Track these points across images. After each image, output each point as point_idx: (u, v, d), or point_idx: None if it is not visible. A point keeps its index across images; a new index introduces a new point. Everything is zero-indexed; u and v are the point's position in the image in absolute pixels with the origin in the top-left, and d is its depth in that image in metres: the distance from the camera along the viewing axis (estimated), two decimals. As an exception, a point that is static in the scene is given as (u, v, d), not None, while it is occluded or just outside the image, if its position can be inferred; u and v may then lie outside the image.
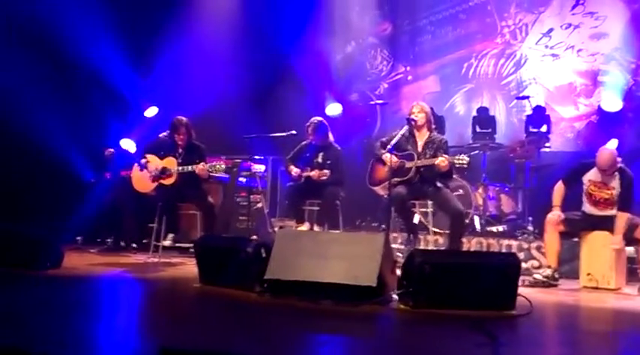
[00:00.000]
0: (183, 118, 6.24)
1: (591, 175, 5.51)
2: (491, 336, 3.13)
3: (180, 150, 6.19)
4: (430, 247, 6.15)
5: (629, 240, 5.35)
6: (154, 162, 6.15)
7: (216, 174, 6.37)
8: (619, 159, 5.53)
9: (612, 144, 6.91)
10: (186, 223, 6.50)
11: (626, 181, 5.36)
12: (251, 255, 4.38)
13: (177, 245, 6.18)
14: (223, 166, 6.04)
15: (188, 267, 5.67)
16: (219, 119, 7.73)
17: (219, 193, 7.17)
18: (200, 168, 5.89)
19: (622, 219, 5.29)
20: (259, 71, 8.70)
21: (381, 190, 5.96)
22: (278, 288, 4.20)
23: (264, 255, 4.38)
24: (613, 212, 5.39)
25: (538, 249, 6.20)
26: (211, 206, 6.15)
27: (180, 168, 5.99)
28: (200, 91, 7.99)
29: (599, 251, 5.36)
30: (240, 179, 7.39)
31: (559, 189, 5.56)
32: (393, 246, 5.92)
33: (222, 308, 4.06)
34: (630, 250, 5.48)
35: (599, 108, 8.19)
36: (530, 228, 6.80)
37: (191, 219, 6.47)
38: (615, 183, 5.39)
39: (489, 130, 8.13)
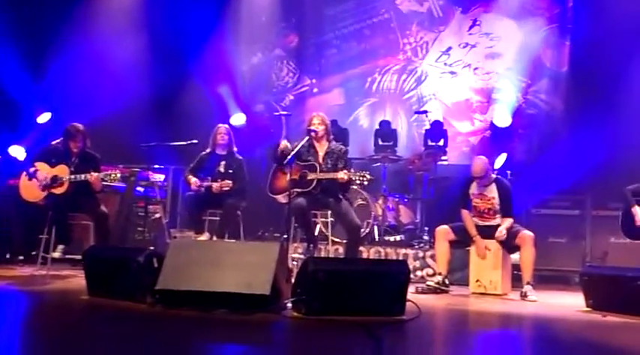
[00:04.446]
0: (80, 126, 6.03)
1: (473, 189, 5.82)
2: (375, 338, 3.21)
3: (74, 159, 5.95)
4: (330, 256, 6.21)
5: (511, 247, 5.64)
6: (44, 170, 5.88)
7: (112, 184, 6.15)
8: (495, 172, 5.92)
9: (502, 158, 7.28)
10: (79, 234, 6.23)
11: (504, 190, 5.70)
12: (142, 265, 4.24)
13: (68, 256, 5.90)
14: (119, 175, 5.85)
15: (78, 280, 5.40)
16: (117, 127, 7.50)
17: (116, 203, 6.92)
18: (94, 177, 5.69)
19: (506, 222, 5.59)
20: (161, 78, 8.53)
21: (282, 199, 5.97)
22: (170, 299, 4.09)
23: (156, 265, 4.26)
24: (497, 221, 5.68)
25: (432, 257, 6.42)
26: (105, 216, 5.94)
27: (72, 176, 5.76)
28: (97, 97, 7.74)
29: (487, 259, 5.61)
30: (138, 188, 7.16)
31: (467, 216, 5.75)
32: (294, 255, 5.96)
33: (110, 321, 3.91)
34: (515, 258, 5.76)
35: (492, 123, 8.62)
36: (426, 237, 7.03)
37: (85, 229, 6.20)
38: (494, 192, 5.71)
39: (391, 143, 8.36)
